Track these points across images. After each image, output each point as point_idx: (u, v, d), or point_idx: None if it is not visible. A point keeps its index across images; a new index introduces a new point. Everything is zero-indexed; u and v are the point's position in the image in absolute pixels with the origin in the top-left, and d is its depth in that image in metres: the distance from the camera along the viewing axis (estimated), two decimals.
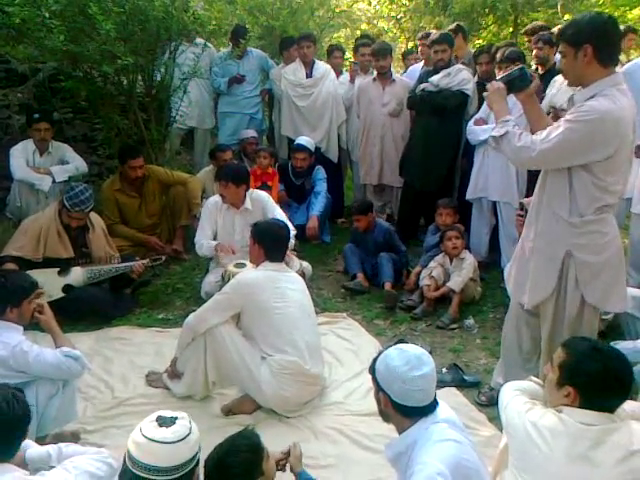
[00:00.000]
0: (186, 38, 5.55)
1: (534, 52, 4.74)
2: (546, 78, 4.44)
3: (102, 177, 5.93)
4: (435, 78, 5.00)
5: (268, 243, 3.34)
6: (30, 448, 2.08)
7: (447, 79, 4.97)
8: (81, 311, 4.05)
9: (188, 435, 1.78)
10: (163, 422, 1.77)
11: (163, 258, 4.53)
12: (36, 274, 3.90)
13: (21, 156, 4.82)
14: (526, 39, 5.79)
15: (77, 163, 5.02)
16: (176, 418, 1.80)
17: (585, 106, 2.46)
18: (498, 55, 4.49)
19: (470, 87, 4.98)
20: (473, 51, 5.74)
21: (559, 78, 4.15)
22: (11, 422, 1.86)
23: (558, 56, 2.85)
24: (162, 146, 5.67)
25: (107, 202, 4.97)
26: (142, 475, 1.72)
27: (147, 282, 4.58)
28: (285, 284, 3.26)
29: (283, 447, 2.39)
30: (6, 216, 5.04)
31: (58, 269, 4.06)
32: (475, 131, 4.67)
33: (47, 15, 4.59)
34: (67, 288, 4.03)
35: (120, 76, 5.14)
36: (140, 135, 5.44)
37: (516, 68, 2.83)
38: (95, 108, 5.54)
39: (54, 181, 4.79)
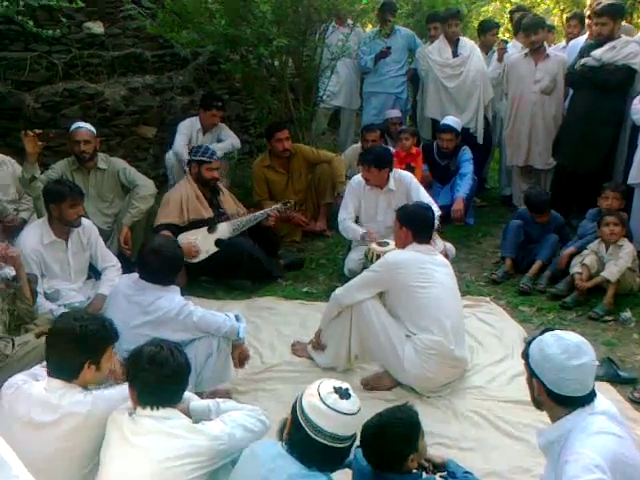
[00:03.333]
0: (338, 19, 5.62)
1: None
2: None
3: (252, 155, 6.25)
4: (598, 52, 4.65)
5: (415, 226, 3.34)
6: (193, 400, 2.27)
7: (611, 53, 4.60)
8: (243, 266, 4.40)
9: (360, 407, 1.87)
10: (343, 394, 1.85)
11: (292, 202, 4.84)
12: (191, 235, 4.33)
13: (186, 132, 5.21)
14: None
15: (232, 140, 5.34)
16: (348, 389, 1.88)
17: None
18: None
19: (638, 61, 4.57)
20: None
21: None
22: (175, 371, 2.05)
23: None
24: (309, 125, 5.83)
25: (257, 179, 5.24)
26: (321, 440, 1.81)
27: (301, 263, 4.76)
28: (431, 265, 3.25)
29: (423, 426, 2.39)
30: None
31: (207, 227, 4.42)
32: None
33: (210, 0, 4.88)
34: (219, 242, 4.38)
35: (273, 58, 5.35)
36: (289, 115, 5.64)
37: None
38: (249, 89, 5.82)
39: None
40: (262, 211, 4.62)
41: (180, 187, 4.53)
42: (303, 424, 1.83)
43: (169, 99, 5.81)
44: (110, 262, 3.82)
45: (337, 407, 1.82)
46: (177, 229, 4.34)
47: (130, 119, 5.60)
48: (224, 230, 4.44)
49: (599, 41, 4.73)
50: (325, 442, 1.81)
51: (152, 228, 4.37)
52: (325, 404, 1.82)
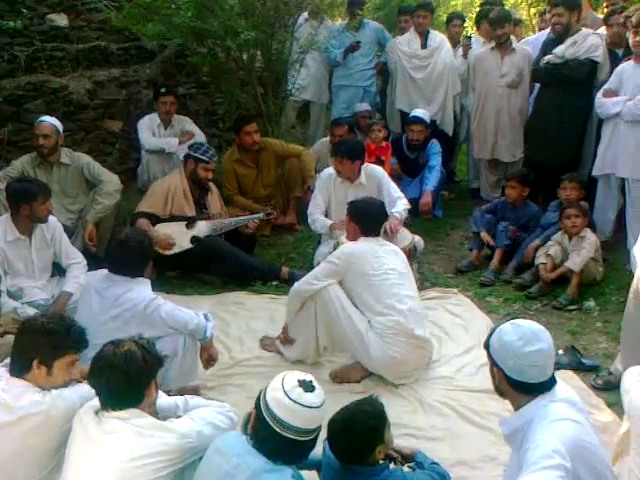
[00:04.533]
0: (313, 14, 5.60)
1: None
2: None
3: (221, 149, 6.18)
4: (560, 49, 4.71)
5: (363, 221, 3.44)
6: (160, 398, 2.24)
7: (573, 48, 4.67)
8: (225, 264, 4.39)
9: (324, 399, 1.87)
10: (307, 387, 1.84)
11: (275, 212, 4.89)
12: (168, 226, 4.32)
13: (147, 128, 5.15)
14: None
15: (197, 135, 5.26)
16: (312, 382, 1.87)
17: None
18: (634, 18, 4.14)
19: (599, 53, 4.65)
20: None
21: None
22: (127, 375, 1.96)
23: None
24: (278, 119, 5.80)
25: (227, 174, 5.20)
26: (286, 435, 1.80)
27: None
28: (383, 254, 3.35)
29: (391, 417, 2.40)
30: (138, 188, 5.41)
31: (186, 222, 4.39)
32: (605, 104, 4.36)
33: None
34: (194, 239, 4.36)
35: (241, 51, 5.31)
36: (257, 108, 5.61)
37: None
38: (217, 83, 5.77)
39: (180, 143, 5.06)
40: (243, 217, 4.62)
41: (170, 179, 4.52)
42: (268, 419, 1.82)
43: (135, 93, 5.71)
44: (75, 259, 3.75)
45: (302, 401, 1.81)
46: (156, 219, 4.34)
47: (95, 113, 5.49)
48: (202, 229, 4.42)
49: (559, 34, 4.79)
50: (291, 436, 1.81)
51: (131, 214, 4.38)
52: (290, 398, 1.81)
